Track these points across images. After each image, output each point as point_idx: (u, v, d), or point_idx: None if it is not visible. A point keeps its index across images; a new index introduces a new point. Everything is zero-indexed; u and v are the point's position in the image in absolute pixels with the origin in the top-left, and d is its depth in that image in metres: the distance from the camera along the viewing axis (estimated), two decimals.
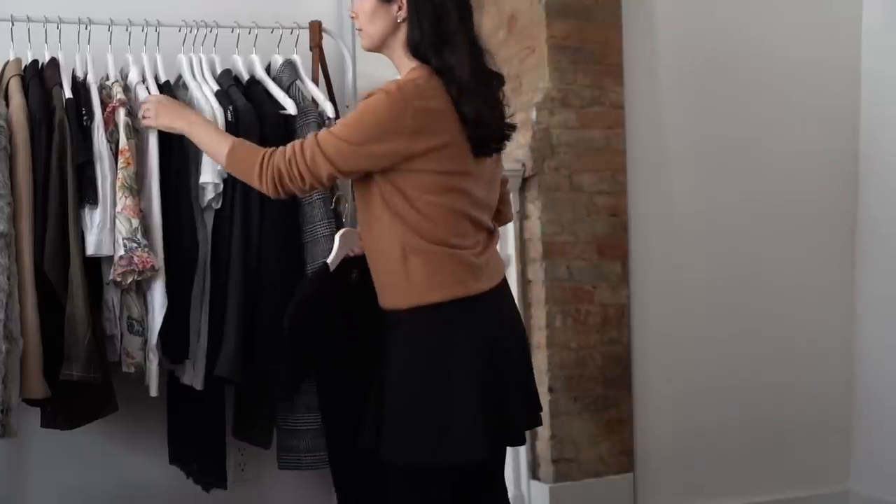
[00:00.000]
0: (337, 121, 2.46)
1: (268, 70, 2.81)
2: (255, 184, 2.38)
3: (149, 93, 2.63)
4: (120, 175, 2.51)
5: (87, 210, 2.49)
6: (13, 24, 2.63)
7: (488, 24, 3.63)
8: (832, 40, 3.78)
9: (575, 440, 3.58)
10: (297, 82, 2.76)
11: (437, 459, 2.29)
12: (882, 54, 3.75)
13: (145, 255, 2.47)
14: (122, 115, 2.55)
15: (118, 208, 2.50)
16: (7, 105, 2.50)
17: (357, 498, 2.57)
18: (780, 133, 3.71)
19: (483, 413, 2.30)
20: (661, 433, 3.61)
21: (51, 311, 2.48)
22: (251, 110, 2.65)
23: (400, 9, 2.33)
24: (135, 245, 2.47)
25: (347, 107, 2.88)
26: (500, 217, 2.55)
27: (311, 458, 2.66)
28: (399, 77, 2.36)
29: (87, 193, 2.50)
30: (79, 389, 2.49)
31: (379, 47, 2.40)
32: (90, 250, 2.48)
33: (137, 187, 2.53)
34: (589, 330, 3.60)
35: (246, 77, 2.78)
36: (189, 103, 2.67)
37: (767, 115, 3.69)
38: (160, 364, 2.58)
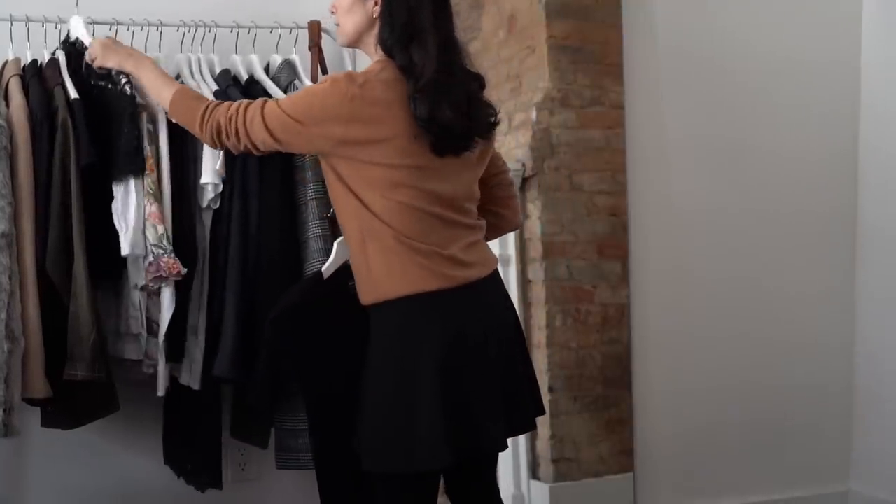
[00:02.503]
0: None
1: (266, 70, 2.81)
2: (196, 132, 2.41)
3: None
4: (145, 181, 2.52)
5: (119, 210, 2.50)
6: (12, 24, 2.63)
7: (488, 24, 3.64)
8: (832, 40, 3.78)
9: (575, 440, 3.58)
10: (296, 82, 2.76)
11: (403, 467, 2.26)
12: (882, 54, 3.75)
13: (172, 260, 2.49)
14: (144, 121, 2.56)
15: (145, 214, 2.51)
16: (7, 105, 2.51)
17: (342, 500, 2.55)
18: (780, 133, 3.71)
19: (445, 418, 2.24)
20: (661, 433, 3.60)
21: (52, 311, 2.48)
22: None
23: (376, 4, 2.34)
24: (161, 251, 2.48)
25: None
26: (501, 221, 2.55)
27: (309, 457, 2.66)
28: None
29: (116, 195, 2.52)
30: (81, 389, 2.49)
31: (355, 42, 2.41)
32: (126, 250, 2.48)
33: (160, 193, 2.55)
34: (589, 330, 3.60)
35: (245, 77, 2.78)
36: None
37: (767, 114, 3.69)
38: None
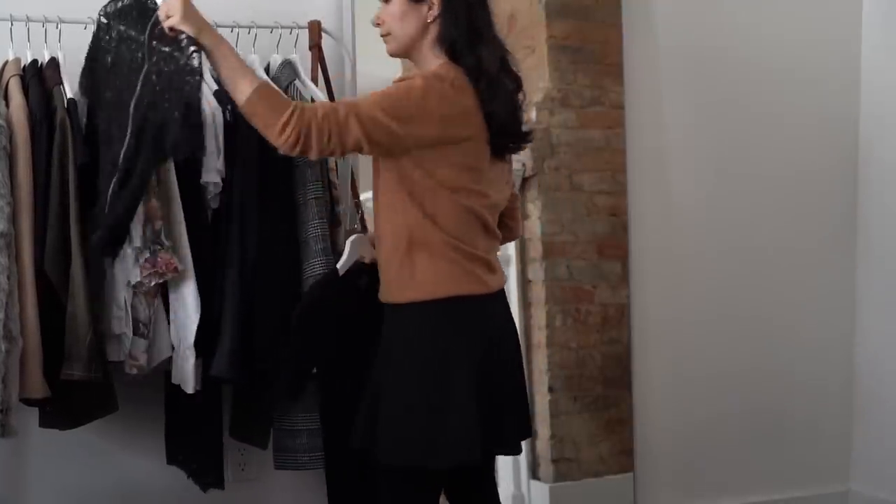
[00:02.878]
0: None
1: (267, 70, 2.81)
2: (273, 132, 2.25)
3: None
4: None
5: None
6: (12, 24, 2.63)
7: None
8: (832, 40, 3.78)
9: (575, 440, 3.58)
10: (296, 82, 2.75)
11: (431, 461, 2.28)
12: (882, 54, 3.75)
13: (168, 256, 2.47)
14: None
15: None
16: (7, 105, 2.51)
17: (348, 497, 2.57)
18: (780, 133, 3.71)
19: (479, 417, 2.29)
20: (661, 433, 3.61)
21: (50, 311, 2.48)
22: None
23: (430, 8, 2.35)
24: (158, 247, 2.47)
25: None
26: (509, 233, 2.58)
27: (308, 457, 2.66)
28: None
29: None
30: (79, 389, 2.49)
31: (408, 49, 2.40)
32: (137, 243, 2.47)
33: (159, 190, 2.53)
34: (589, 330, 3.60)
35: None
36: None
37: (767, 114, 3.69)
38: (158, 365, 2.57)
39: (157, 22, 2.35)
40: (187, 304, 2.54)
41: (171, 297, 2.56)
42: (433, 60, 2.37)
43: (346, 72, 3.01)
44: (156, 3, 2.39)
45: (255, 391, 2.70)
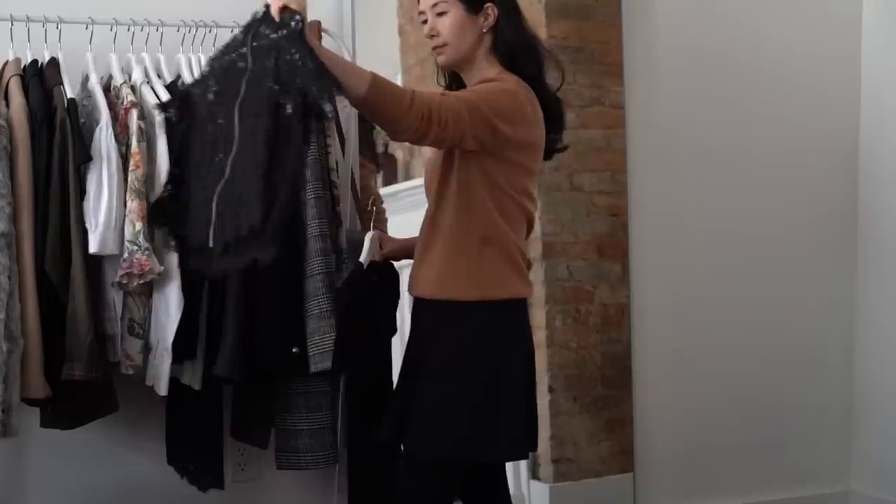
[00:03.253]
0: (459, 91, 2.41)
1: None
2: (398, 116, 2.18)
3: (155, 94, 2.63)
4: (129, 177, 2.51)
5: (91, 208, 2.49)
6: (13, 24, 2.63)
7: None
8: (832, 40, 3.78)
9: (575, 440, 3.58)
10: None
11: (480, 456, 2.33)
12: (882, 54, 3.75)
13: (144, 258, 2.47)
14: (134, 118, 2.54)
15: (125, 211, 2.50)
16: (7, 105, 2.51)
17: (369, 486, 2.58)
18: (781, 133, 3.71)
19: (526, 416, 2.38)
20: (661, 433, 3.60)
21: (51, 311, 2.48)
22: None
23: (486, 18, 2.38)
24: (136, 248, 2.47)
25: (346, 106, 2.87)
26: None
27: (309, 457, 2.66)
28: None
29: (87, 192, 2.50)
30: (80, 389, 2.49)
31: (466, 60, 2.41)
32: (94, 248, 2.47)
33: (146, 191, 2.53)
34: (589, 330, 3.60)
35: None
36: None
37: (767, 114, 3.69)
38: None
39: (258, 22, 2.26)
40: (170, 304, 2.55)
41: (155, 296, 2.56)
42: (488, 69, 2.40)
43: None
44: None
45: (255, 391, 2.71)
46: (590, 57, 3.51)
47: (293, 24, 2.19)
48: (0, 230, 2.40)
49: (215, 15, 2.82)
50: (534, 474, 3.69)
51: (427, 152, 2.60)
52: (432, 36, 2.40)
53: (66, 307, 2.47)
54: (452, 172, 2.35)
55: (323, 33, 2.91)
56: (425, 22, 2.43)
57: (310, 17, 2.90)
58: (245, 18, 2.80)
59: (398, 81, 5.48)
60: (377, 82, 2.18)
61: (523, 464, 3.72)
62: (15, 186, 2.46)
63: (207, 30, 2.79)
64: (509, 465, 3.44)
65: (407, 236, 2.63)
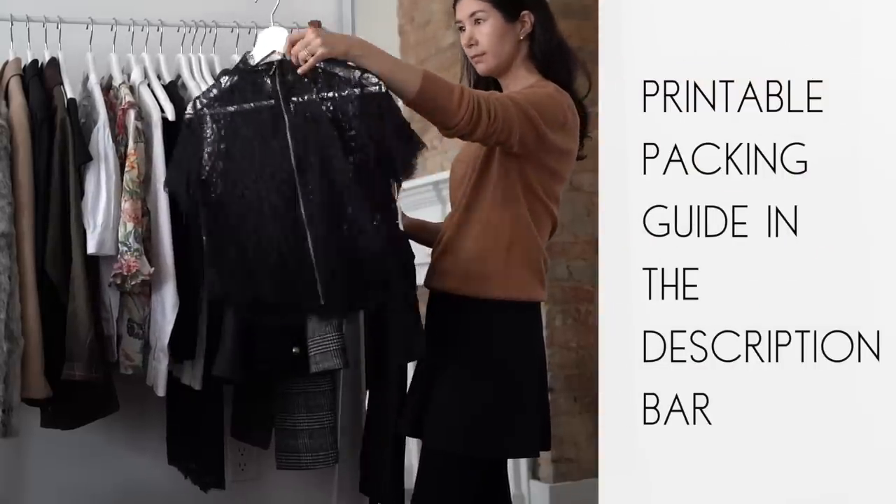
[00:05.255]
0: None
1: None
2: (450, 110, 2.19)
3: (153, 94, 2.63)
4: (124, 178, 2.51)
5: (89, 209, 2.49)
6: (13, 24, 2.63)
7: None
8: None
9: (575, 440, 3.59)
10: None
11: (495, 451, 2.41)
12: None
13: (132, 259, 2.46)
14: (132, 118, 2.55)
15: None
16: (7, 105, 2.51)
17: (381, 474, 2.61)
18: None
19: (542, 413, 2.45)
20: None
21: (52, 311, 2.48)
22: None
23: (523, 26, 2.42)
24: (125, 249, 2.47)
25: None
26: None
27: (309, 457, 2.67)
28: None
29: (86, 193, 2.50)
30: (80, 389, 2.49)
31: (505, 67, 2.44)
32: (92, 249, 2.47)
33: (141, 192, 2.53)
34: (589, 330, 3.61)
35: None
36: (188, 103, 2.67)
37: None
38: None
39: (285, 72, 2.30)
40: (166, 306, 2.55)
41: (153, 297, 2.56)
42: (526, 76, 2.44)
43: None
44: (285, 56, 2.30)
45: (256, 391, 2.71)
46: (590, 57, 3.50)
47: (377, 87, 2.24)
48: (0, 230, 2.39)
49: (215, 15, 2.82)
50: (534, 474, 3.70)
51: (456, 149, 2.61)
52: (471, 45, 2.44)
53: (67, 307, 2.47)
54: (490, 173, 2.38)
55: None
56: (462, 30, 2.46)
57: (310, 17, 2.91)
58: (245, 18, 2.83)
59: None
60: (429, 77, 2.21)
61: (523, 463, 3.73)
62: (15, 186, 2.46)
63: (207, 30, 2.79)
64: (509, 465, 3.46)
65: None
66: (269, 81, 2.34)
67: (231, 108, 2.37)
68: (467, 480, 2.40)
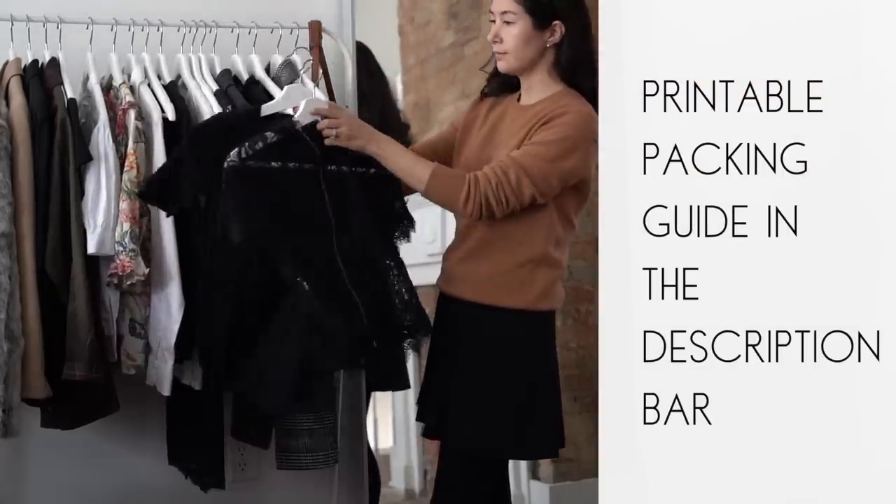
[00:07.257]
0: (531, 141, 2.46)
1: (267, 70, 2.81)
2: (457, 207, 2.41)
3: (153, 94, 2.63)
4: (123, 178, 2.51)
5: (89, 209, 2.49)
6: (13, 24, 2.63)
7: (489, 25, 3.62)
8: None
9: (575, 440, 3.58)
10: (297, 82, 2.76)
11: (520, 453, 2.64)
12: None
13: (127, 259, 2.46)
14: (132, 118, 2.55)
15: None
16: (8, 105, 2.51)
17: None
18: None
19: (557, 415, 2.53)
20: None
21: (52, 311, 2.48)
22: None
23: (552, 34, 2.43)
24: (121, 249, 2.47)
25: (347, 106, 2.88)
26: None
27: (310, 458, 2.67)
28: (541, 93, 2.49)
29: (86, 193, 2.50)
30: (80, 389, 2.50)
31: (527, 70, 2.48)
32: (92, 249, 2.48)
33: (139, 192, 2.53)
34: (589, 330, 3.61)
35: (245, 77, 2.78)
36: (188, 103, 2.67)
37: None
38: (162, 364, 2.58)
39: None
40: (171, 305, 2.54)
41: (155, 297, 2.56)
42: (550, 83, 2.47)
43: (347, 72, 3.01)
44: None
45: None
46: None
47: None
48: (0, 230, 2.40)
49: (215, 15, 2.82)
50: (534, 474, 3.70)
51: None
52: (496, 41, 2.47)
53: (67, 307, 2.47)
54: None
55: (323, 33, 2.92)
56: (493, 21, 2.48)
57: (310, 18, 2.91)
58: (245, 18, 2.83)
59: (398, 82, 5.49)
60: (436, 176, 2.39)
61: (523, 463, 3.72)
62: (15, 186, 2.46)
63: (207, 30, 2.79)
64: (510, 466, 3.46)
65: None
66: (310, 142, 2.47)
67: (275, 165, 2.45)
68: (487, 481, 2.47)
